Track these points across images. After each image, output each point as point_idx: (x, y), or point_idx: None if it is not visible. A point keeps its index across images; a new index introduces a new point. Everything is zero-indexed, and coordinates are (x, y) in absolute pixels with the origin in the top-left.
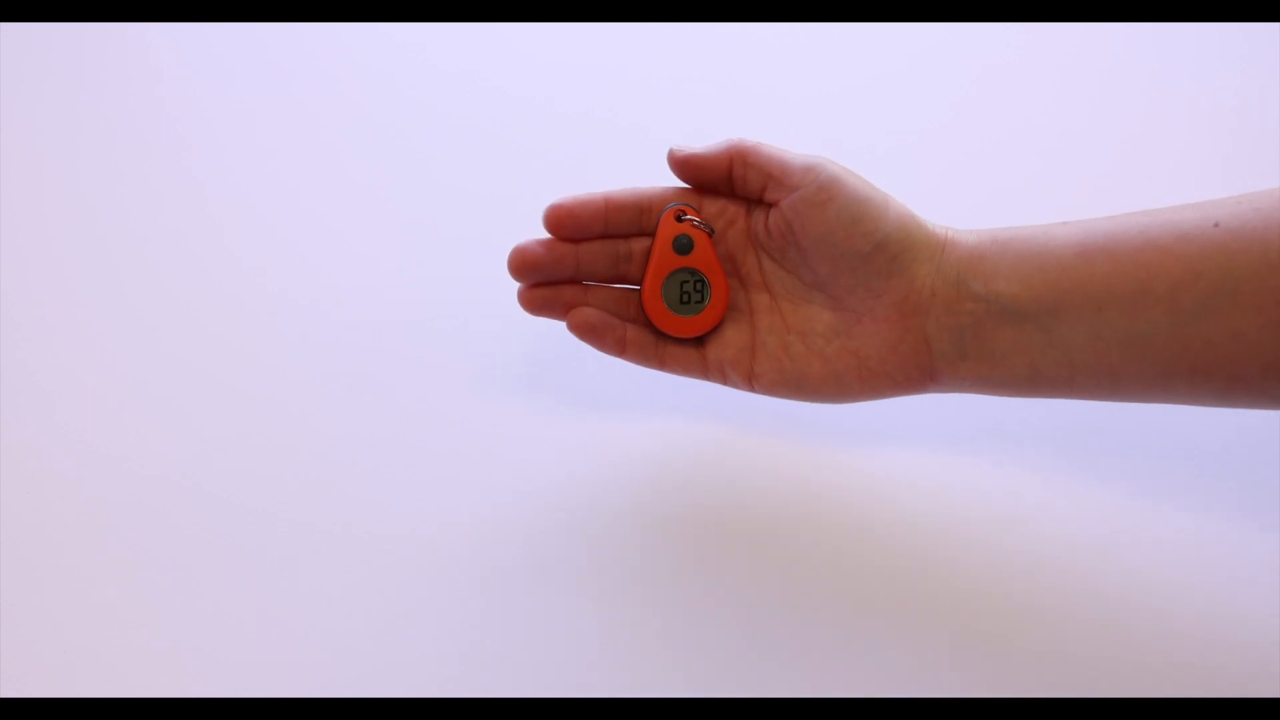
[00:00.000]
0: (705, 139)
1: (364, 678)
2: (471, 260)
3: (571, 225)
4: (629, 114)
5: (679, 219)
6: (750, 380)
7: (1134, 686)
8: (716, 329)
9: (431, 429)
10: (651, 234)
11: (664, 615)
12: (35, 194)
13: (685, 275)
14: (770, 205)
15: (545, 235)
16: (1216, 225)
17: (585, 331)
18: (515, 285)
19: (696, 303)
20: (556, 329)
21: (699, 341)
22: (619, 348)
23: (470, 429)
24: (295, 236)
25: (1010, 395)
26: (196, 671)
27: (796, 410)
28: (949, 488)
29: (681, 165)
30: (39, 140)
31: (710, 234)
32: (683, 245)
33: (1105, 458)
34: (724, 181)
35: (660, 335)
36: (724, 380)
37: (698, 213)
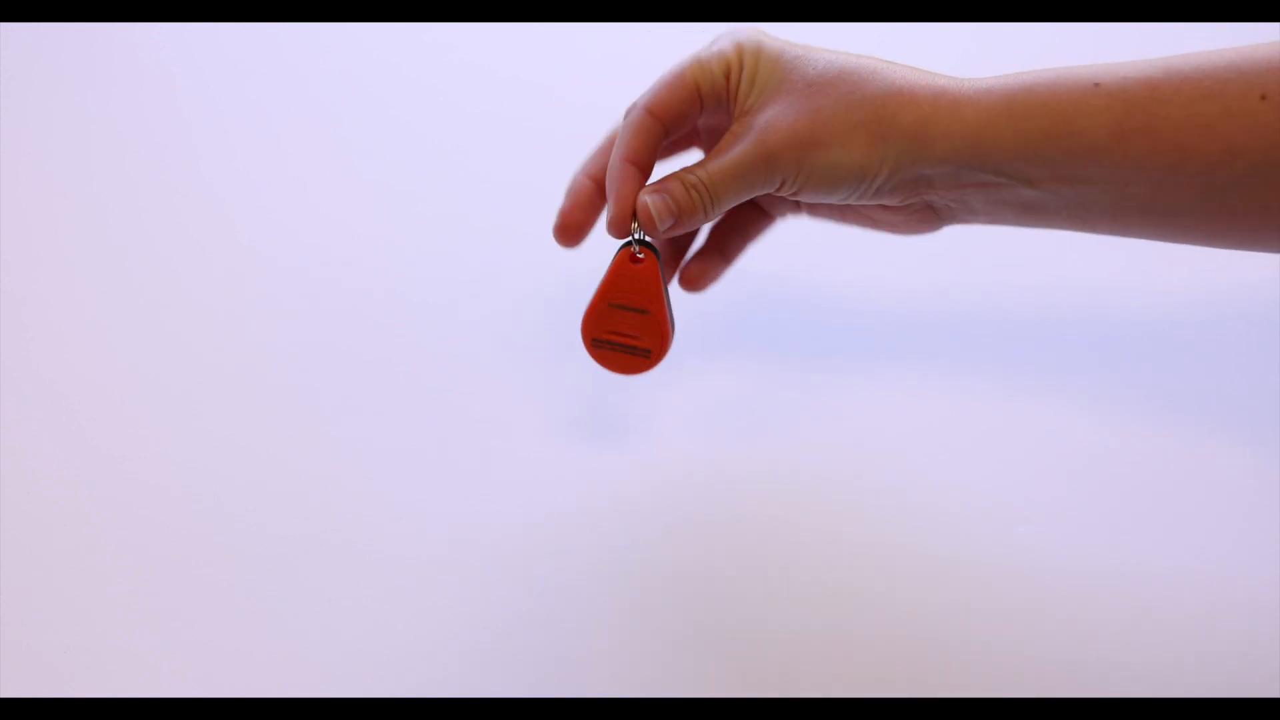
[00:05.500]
0: None
1: (364, 679)
2: (477, 258)
3: (582, 228)
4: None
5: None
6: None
7: (1134, 686)
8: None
9: (443, 431)
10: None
11: (667, 615)
12: (41, 195)
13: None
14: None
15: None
16: (1264, 98)
17: (698, 287)
18: (519, 286)
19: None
20: (567, 328)
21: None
22: (727, 265)
23: (480, 429)
24: (308, 235)
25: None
26: (196, 671)
27: (804, 413)
28: (950, 486)
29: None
30: (45, 140)
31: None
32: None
33: (1108, 458)
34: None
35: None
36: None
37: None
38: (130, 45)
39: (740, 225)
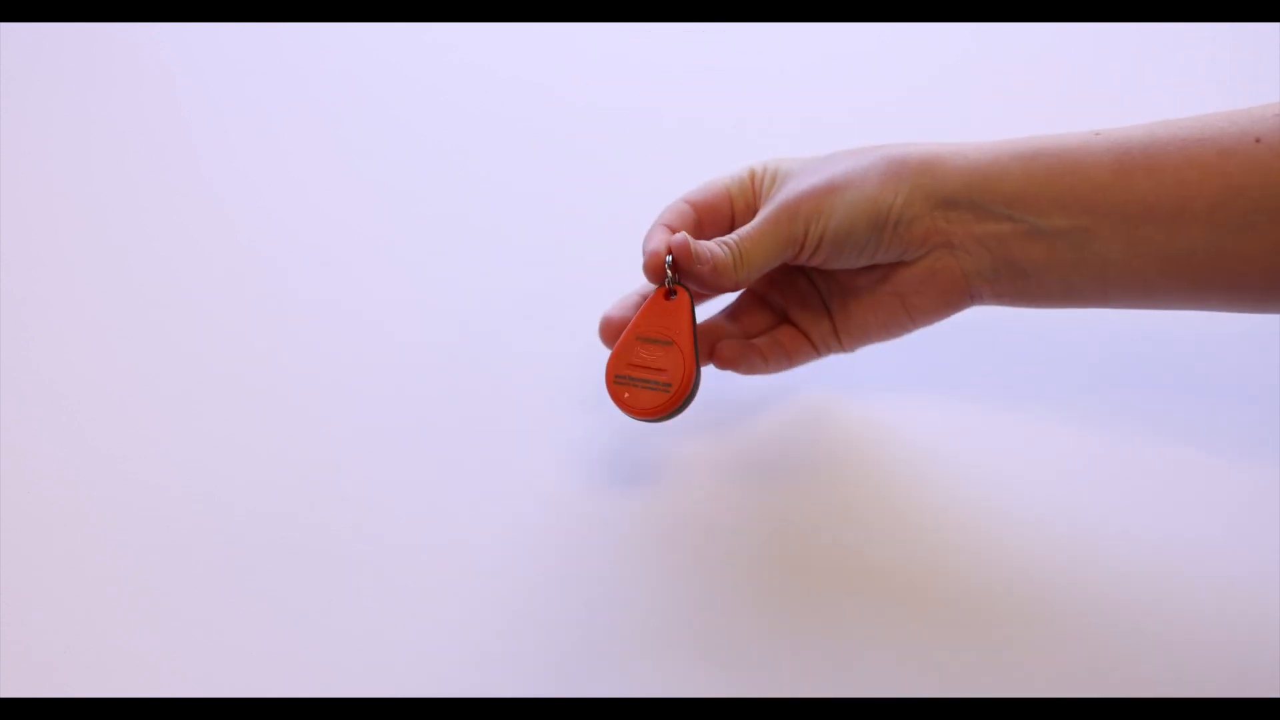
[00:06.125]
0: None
1: (364, 679)
2: (477, 258)
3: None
4: (673, 111)
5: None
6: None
7: (1137, 686)
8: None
9: (444, 430)
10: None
11: (668, 615)
12: (41, 195)
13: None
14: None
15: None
16: (1258, 141)
17: (730, 365)
18: (518, 286)
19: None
20: (567, 327)
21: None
22: (763, 364)
23: (480, 428)
24: (308, 235)
25: (1047, 307)
26: (196, 671)
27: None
28: (955, 485)
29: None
30: (45, 140)
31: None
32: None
33: (1113, 460)
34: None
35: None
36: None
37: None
38: (130, 45)
39: (786, 343)
